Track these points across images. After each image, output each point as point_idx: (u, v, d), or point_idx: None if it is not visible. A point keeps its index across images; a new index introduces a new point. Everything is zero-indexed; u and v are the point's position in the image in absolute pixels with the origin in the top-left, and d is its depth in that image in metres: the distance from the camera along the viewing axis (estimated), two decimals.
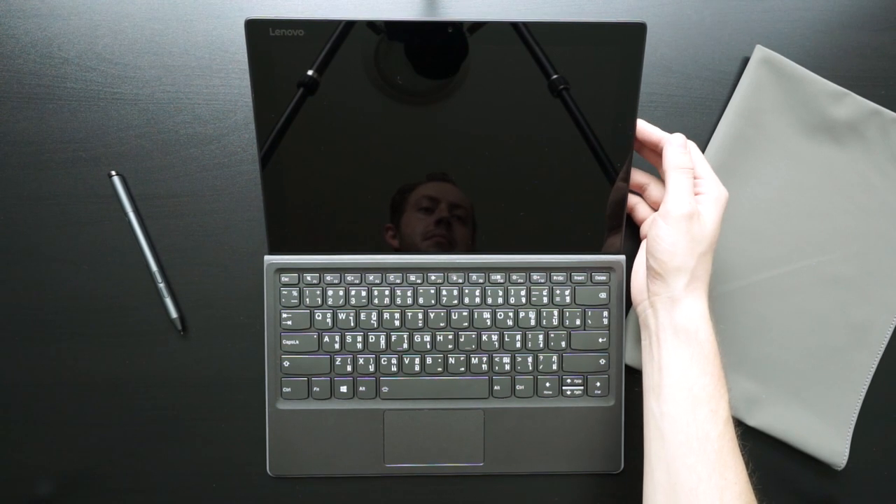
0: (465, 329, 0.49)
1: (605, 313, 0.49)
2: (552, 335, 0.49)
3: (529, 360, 0.49)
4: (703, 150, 0.50)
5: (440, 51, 0.45)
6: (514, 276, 0.49)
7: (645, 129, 0.45)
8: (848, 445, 0.50)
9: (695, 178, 0.43)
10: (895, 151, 0.50)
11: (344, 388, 0.49)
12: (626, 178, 0.47)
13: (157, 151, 0.50)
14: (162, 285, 0.50)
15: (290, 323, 0.49)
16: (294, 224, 0.48)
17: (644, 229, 0.48)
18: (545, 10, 0.50)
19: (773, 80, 0.49)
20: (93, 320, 0.50)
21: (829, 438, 0.50)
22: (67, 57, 0.49)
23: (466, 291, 0.49)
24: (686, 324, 0.41)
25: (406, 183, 0.47)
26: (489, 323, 0.49)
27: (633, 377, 0.51)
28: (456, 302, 0.49)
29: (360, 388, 0.49)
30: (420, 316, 0.49)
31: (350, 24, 0.43)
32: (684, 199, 0.41)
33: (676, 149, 0.43)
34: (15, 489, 0.51)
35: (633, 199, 0.49)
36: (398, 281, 0.49)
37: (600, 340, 0.49)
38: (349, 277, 0.49)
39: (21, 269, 0.50)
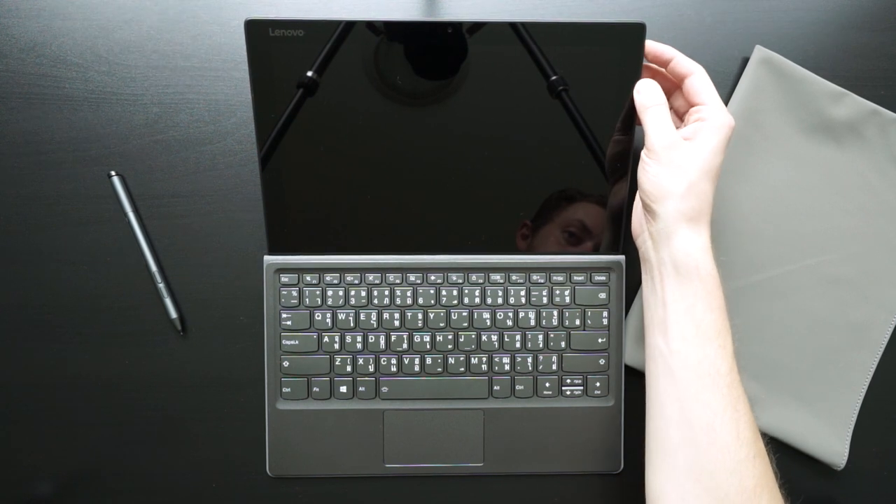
0: (464, 329, 0.49)
1: (605, 313, 0.49)
2: (552, 335, 0.49)
3: (529, 360, 0.49)
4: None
5: (440, 51, 0.45)
6: (514, 276, 0.49)
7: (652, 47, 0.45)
8: (848, 445, 0.50)
9: (698, 104, 0.42)
10: (895, 151, 0.50)
11: (344, 389, 0.49)
12: (625, 178, 0.47)
13: (157, 151, 0.50)
14: (161, 285, 0.50)
15: (289, 323, 0.49)
16: (294, 224, 0.48)
17: None
18: (545, 11, 0.50)
19: (773, 81, 0.49)
20: (93, 320, 0.50)
21: (829, 438, 0.50)
22: (67, 57, 0.49)
23: (466, 291, 0.49)
24: (686, 259, 0.40)
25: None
26: (489, 323, 0.49)
27: (634, 377, 0.51)
28: (456, 302, 0.49)
29: (360, 389, 0.49)
30: (420, 316, 0.49)
31: (350, 25, 0.43)
32: (661, 131, 0.41)
33: (644, 90, 0.43)
34: (15, 489, 0.51)
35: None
36: (398, 281, 0.49)
37: (600, 340, 0.49)
38: (349, 277, 0.49)
39: (21, 269, 0.50)
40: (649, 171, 0.41)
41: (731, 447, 0.38)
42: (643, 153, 0.42)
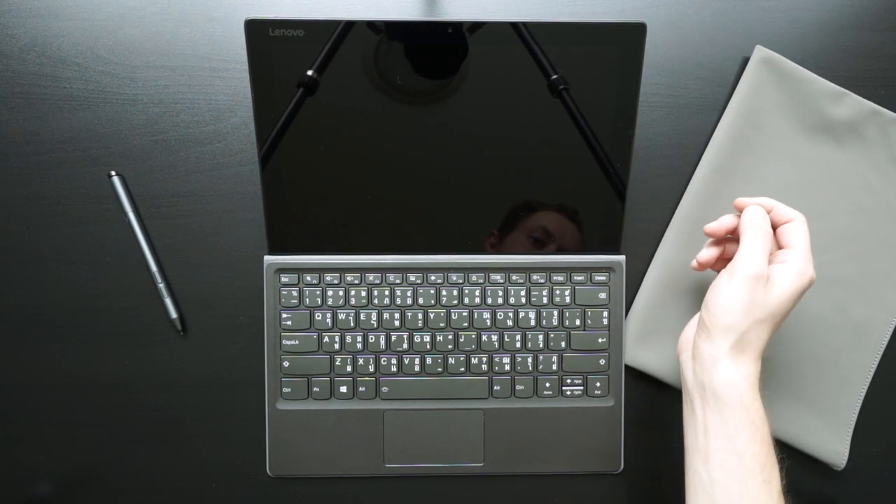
0: (464, 329, 0.49)
1: (605, 313, 0.49)
2: (552, 335, 0.49)
3: (529, 360, 0.49)
4: (702, 150, 0.50)
5: (440, 51, 0.45)
6: (514, 277, 0.49)
7: (714, 226, 0.44)
8: (848, 445, 0.50)
9: (786, 247, 0.41)
10: (895, 151, 0.50)
11: (344, 389, 0.49)
12: (626, 178, 0.47)
13: (157, 151, 0.50)
14: (162, 285, 0.50)
15: (289, 323, 0.49)
16: (294, 224, 0.48)
17: None
18: (545, 10, 0.50)
19: (773, 81, 0.49)
20: (93, 320, 0.50)
21: (829, 438, 0.50)
22: (67, 57, 0.49)
23: (466, 291, 0.49)
24: (727, 388, 0.39)
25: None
26: (489, 323, 0.49)
27: (633, 377, 0.51)
28: (456, 302, 0.49)
29: (360, 389, 0.49)
30: (420, 316, 0.49)
31: (350, 25, 0.43)
32: (755, 258, 0.40)
33: (755, 210, 0.42)
34: (15, 489, 0.51)
35: (721, 264, 0.46)
36: (398, 281, 0.49)
37: (600, 341, 0.49)
38: (349, 277, 0.49)
39: (21, 268, 0.50)
40: (723, 291, 0.40)
41: None
42: (724, 270, 0.41)
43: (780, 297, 0.39)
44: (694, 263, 0.46)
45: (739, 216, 0.43)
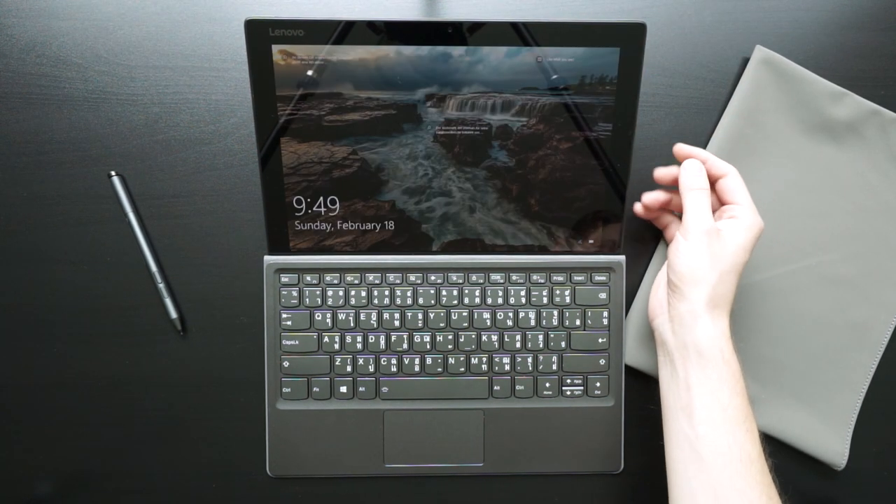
0: (464, 329, 0.49)
1: (605, 313, 0.49)
2: (552, 335, 0.49)
3: (529, 360, 0.49)
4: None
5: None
6: (514, 277, 0.49)
7: (663, 172, 0.46)
8: (848, 445, 0.50)
9: (730, 203, 0.43)
10: (895, 151, 0.50)
11: (344, 389, 0.49)
12: (626, 178, 0.47)
13: (157, 151, 0.50)
14: (162, 285, 0.50)
15: (289, 323, 0.49)
16: (294, 224, 0.48)
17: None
18: (545, 10, 0.50)
19: (773, 81, 0.49)
20: (93, 320, 0.50)
21: (829, 438, 0.50)
22: (67, 57, 0.49)
23: (466, 292, 0.49)
24: (709, 343, 0.40)
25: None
26: (489, 323, 0.49)
27: (633, 377, 0.51)
28: (456, 302, 0.49)
29: (360, 389, 0.49)
30: (420, 316, 0.49)
31: (350, 24, 0.43)
32: (702, 216, 0.42)
33: (690, 171, 0.44)
34: (15, 489, 0.51)
35: (667, 218, 0.49)
36: (398, 281, 0.49)
37: (600, 341, 0.49)
38: (349, 278, 0.49)
39: (21, 269, 0.50)
40: (683, 252, 0.42)
41: None
42: (678, 233, 0.43)
43: (736, 249, 0.41)
44: (637, 207, 0.48)
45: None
